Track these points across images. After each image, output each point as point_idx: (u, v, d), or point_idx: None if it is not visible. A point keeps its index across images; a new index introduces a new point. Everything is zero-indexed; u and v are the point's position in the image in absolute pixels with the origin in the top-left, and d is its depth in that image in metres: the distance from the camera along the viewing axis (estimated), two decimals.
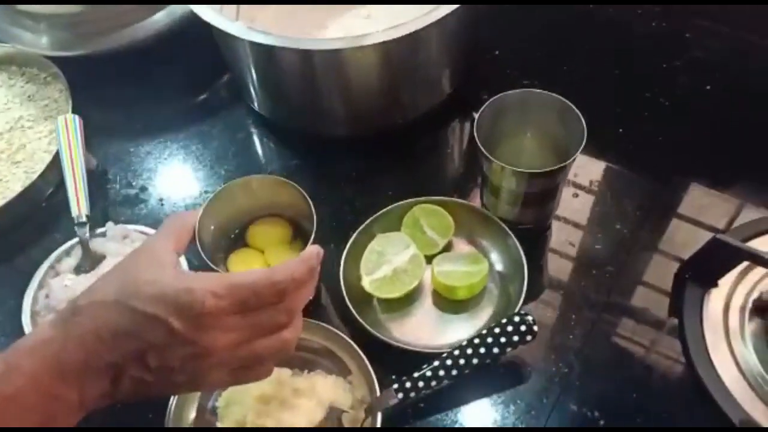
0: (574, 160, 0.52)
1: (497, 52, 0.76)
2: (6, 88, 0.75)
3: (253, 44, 0.59)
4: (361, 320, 0.53)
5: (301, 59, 0.60)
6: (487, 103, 0.55)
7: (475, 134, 0.54)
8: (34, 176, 0.66)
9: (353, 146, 0.69)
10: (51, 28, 0.73)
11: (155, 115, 0.75)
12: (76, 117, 0.66)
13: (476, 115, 0.55)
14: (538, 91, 0.55)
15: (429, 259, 0.58)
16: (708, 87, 0.70)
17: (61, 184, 0.66)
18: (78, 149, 0.64)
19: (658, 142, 0.67)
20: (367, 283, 0.56)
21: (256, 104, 0.71)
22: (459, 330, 0.55)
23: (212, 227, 0.55)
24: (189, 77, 0.78)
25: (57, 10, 0.69)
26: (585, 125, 0.52)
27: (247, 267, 0.56)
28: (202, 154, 0.70)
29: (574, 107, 0.53)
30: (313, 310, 0.58)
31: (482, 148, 0.54)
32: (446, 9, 0.57)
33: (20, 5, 0.71)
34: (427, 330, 0.56)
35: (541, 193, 0.56)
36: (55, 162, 0.66)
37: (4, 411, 0.35)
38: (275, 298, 0.39)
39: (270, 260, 0.57)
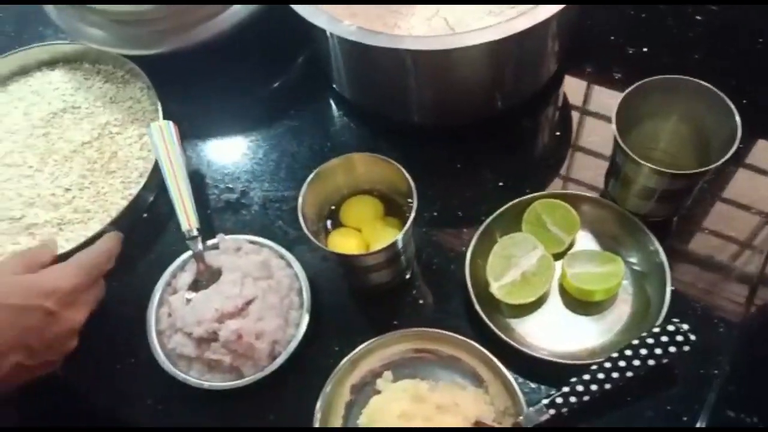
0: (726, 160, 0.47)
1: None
2: (84, 90, 0.73)
3: (345, 41, 0.55)
4: (499, 333, 0.51)
5: (397, 58, 0.57)
6: (629, 89, 0.51)
7: (614, 124, 0.50)
8: (132, 186, 0.65)
9: (451, 134, 0.65)
10: (124, 26, 0.69)
11: (240, 110, 0.72)
12: (171, 123, 0.64)
13: (617, 103, 0.51)
14: (687, 78, 0.50)
15: (554, 258, 0.56)
16: None
17: (160, 192, 0.65)
18: (178, 159, 0.62)
19: None
20: (495, 288, 0.54)
21: (344, 93, 0.68)
22: (595, 332, 0.53)
23: (313, 204, 0.55)
24: (266, 66, 0.74)
25: (131, 8, 0.65)
26: (739, 122, 0.47)
27: (346, 245, 0.56)
28: (297, 151, 0.67)
29: (727, 100, 0.48)
30: (431, 316, 0.56)
31: (619, 140, 0.50)
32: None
33: (94, 5, 0.68)
34: (560, 333, 0.54)
35: (681, 191, 0.52)
36: (152, 169, 0.64)
37: None
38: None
39: (367, 238, 0.56)
